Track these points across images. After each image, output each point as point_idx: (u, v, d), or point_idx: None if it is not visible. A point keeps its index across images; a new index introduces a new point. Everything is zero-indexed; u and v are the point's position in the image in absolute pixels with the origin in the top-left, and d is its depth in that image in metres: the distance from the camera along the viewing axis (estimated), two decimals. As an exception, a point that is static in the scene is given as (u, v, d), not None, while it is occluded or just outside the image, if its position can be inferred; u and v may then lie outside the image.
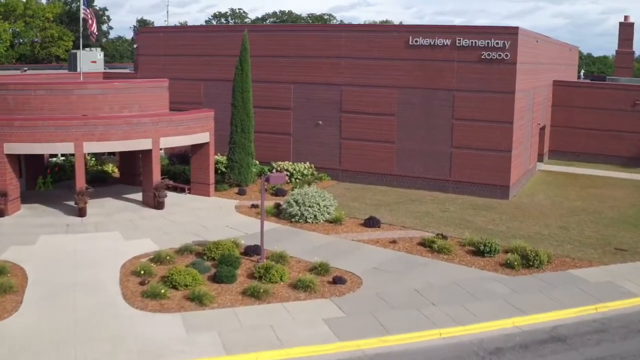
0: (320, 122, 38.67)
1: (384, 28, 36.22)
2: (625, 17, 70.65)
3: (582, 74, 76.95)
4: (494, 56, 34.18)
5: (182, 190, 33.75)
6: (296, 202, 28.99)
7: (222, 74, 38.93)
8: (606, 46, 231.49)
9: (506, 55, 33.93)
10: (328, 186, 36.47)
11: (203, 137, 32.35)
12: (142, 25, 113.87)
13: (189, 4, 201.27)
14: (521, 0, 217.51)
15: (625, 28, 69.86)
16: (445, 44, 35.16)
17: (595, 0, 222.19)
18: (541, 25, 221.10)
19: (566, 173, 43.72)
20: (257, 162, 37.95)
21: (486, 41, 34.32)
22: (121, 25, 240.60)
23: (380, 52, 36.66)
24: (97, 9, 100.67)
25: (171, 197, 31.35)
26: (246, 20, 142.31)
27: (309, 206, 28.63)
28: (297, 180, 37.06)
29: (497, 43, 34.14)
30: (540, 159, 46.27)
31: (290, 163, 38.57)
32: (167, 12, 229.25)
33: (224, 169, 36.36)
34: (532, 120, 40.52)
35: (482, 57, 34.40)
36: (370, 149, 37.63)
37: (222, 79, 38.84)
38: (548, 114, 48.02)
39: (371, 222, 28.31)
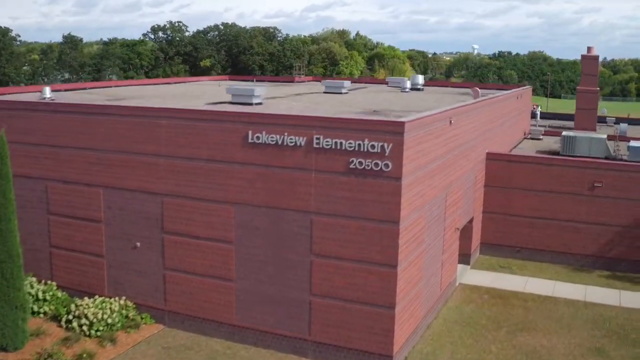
0: (138, 244, 27.08)
1: (215, 116, 24.85)
2: (589, 49, 59.59)
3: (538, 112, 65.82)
4: (368, 165, 22.75)
5: None
6: None
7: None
8: (579, 46, 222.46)
9: (385, 165, 22.52)
10: (144, 339, 25.16)
11: None
12: None
13: (163, 4, 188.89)
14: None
15: (589, 62, 58.81)
16: (298, 143, 23.66)
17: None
18: (514, 25, 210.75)
19: (495, 291, 32.35)
20: (59, 291, 27.05)
21: (357, 142, 22.85)
22: None
23: (210, 150, 25.10)
24: None
25: None
26: (186, 33, 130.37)
27: None
28: (98, 333, 25.60)
29: (373, 146, 22.69)
30: (466, 260, 35.05)
31: (101, 300, 26.96)
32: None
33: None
34: (444, 231, 29.12)
35: (352, 165, 22.96)
36: (203, 286, 26.10)
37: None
38: (479, 200, 36.73)
39: None
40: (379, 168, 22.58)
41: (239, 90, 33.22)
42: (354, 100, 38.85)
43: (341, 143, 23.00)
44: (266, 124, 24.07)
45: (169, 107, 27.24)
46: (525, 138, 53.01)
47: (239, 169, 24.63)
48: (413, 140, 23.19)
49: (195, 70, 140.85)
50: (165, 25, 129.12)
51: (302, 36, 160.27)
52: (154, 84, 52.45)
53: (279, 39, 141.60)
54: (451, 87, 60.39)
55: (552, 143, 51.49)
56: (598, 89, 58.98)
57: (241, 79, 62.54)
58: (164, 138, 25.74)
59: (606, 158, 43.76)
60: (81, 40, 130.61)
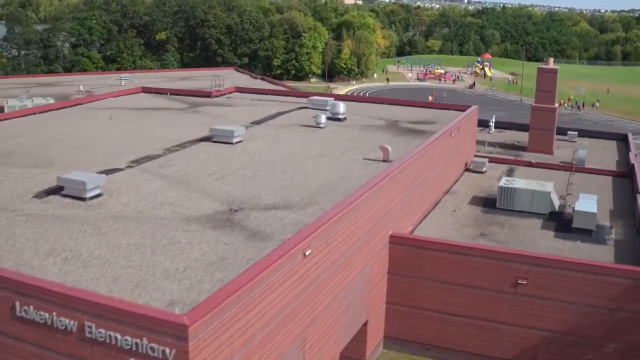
0: None
1: None
2: (547, 61, 52.21)
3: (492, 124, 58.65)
4: (148, 369, 15.99)
5: None
6: None
7: None
8: None
9: (170, 374, 15.75)
10: None
11: None
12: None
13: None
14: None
15: (546, 76, 51.48)
16: (70, 328, 16.83)
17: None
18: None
19: None
20: None
21: (134, 341, 16.05)
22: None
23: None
24: None
25: None
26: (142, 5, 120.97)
27: None
28: None
29: (152, 349, 15.91)
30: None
31: None
32: None
33: None
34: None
35: (128, 366, 16.20)
36: None
37: None
38: (380, 292, 30.12)
39: None
40: (162, 377, 15.81)
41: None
42: (231, 167, 31.68)
43: (116, 338, 16.17)
44: (33, 296, 17.20)
45: None
46: (468, 169, 46.10)
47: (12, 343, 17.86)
48: (212, 336, 16.32)
49: (151, 45, 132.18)
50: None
51: (267, 3, 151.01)
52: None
53: (238, 9, 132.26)
54: (401, 104, 52.76)
55: (496, 179, 44.65)
56: (557, 105, 51.82)
57: (155, 91, 54.75)
58: None
59: (551, 214, 37.25)
60: (27, 15, 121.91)
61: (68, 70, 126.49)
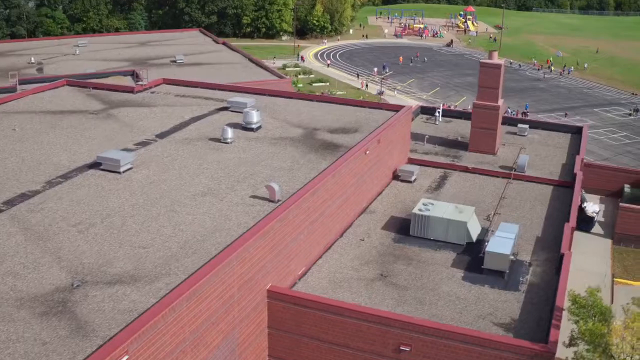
0: None
1: None
2: (491, 54, 48.54)
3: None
4: None
5: None
6: None
7: None
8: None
9: None
10: None
11: None
12: None
13: None
14: None
15: (489, 72, 47.91)
16: None
17: None
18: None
19: None
20: None
21: None
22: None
23: None
24: None
25: None
26: None
27: None
28: None
29: None
30: None
31: None
32: None
33: None
34: None
35: None
36: None
37: None
38: (260, 345, 27.74)
39: None
40: None
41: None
42: (104, 211, 28.77)
43: None
44: None
45: None
46: (396, 177, 43.19)
47: None
48: None
49: (118, 2, 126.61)
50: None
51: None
52: None
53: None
54: (329, 102, 49.36)
55: (425, 190, 41.87)
56: (499, 104, 48.38)
57: (79, 85, 51.06)
58: None
59: (468, 245, 34.63)
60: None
61: (31, 32, 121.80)
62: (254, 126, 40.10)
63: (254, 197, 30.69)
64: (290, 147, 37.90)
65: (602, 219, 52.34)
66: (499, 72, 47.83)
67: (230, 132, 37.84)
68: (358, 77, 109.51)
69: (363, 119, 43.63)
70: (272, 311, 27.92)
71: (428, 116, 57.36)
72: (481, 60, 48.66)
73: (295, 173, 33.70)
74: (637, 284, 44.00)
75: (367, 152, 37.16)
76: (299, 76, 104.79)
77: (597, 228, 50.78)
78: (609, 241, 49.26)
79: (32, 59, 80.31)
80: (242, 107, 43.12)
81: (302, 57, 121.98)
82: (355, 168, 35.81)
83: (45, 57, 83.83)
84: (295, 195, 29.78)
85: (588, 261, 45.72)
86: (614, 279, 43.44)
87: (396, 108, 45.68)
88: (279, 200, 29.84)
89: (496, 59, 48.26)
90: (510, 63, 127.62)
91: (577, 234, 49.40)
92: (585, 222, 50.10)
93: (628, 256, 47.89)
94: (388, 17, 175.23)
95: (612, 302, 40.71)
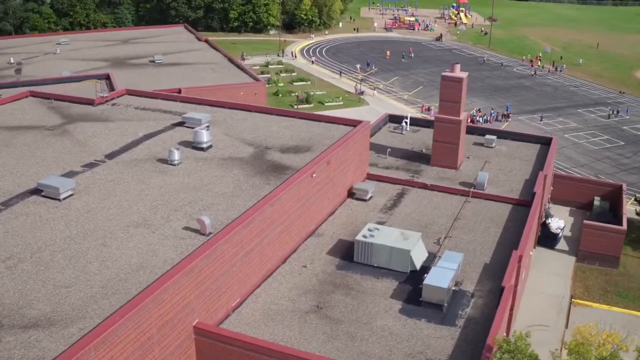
0: None
1: None
2: (453, 67, 47.95)
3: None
4: None
5: None
6: None
7: None
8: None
9: None
10: None
11: None
12: None
13: None
14: None
15: (450, 85, 47.35)
16: None
17: None
18: None
19: None
20: None
21: None
22: None
23: None
24: None
25: None
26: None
27: None
28: None
29: None
30: None
31: None
32: None
33: None
34: None
35: None
36: None
37: None
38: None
39: None
40: None
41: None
42: (34, 245, 28.55)
43: None
44: None
45: None
46: (352, 195, 42.85)
47: None
48: None
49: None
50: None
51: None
52: None
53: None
54: (288, 116, 48.86)
55: (379, 209, 41.50)
56: (460, 119, 47.88)
57: (42, 96, 50.72)
58: None
59: (412, 273, 34.36)
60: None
61: (18, 27, 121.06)
62: (204, 146, 39.77)
63: (187, 228, 30.42)
64: (237, 169, 37.56)
65: (569, 233, 52.02)
66: (461, 85, 47.28)
67: (176, 155, 37.49)
68: (340, 75, 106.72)
69: (319, 135, 43.25)
70: (200, 348, 27.74)
71: (396, 125, 56.90)
72: (442, 74, 48.09)
73: (235, 200, 33.39)
74: (596, 306, 43.67)
75: (314, 174, 36.80)
76: (281, 74, 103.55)
77: (562, 244, 50.43)
78: (572, 259, 48.87)
79: (12, 59, 79.86)
80: (197, 123, 42.77)
81: (293, 54, 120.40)
82: (300, 192, 35.46)
83: (25, 57, 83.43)
84: (226, 229, 29.49)
85: (547, 281, 45.42)
86: (573, 301, 43.04)
87: (354, 123, 45.22)
88: (210, 233, 29.57)
89: (458, 72, 47.68)
90: (502, 63, 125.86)
91: (540, 251, 49.15)
92: (549, 239, 49.78)
93: (591, 274, 47.49)
94: (381, 8, 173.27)
95: (566, 326, 40.46)
